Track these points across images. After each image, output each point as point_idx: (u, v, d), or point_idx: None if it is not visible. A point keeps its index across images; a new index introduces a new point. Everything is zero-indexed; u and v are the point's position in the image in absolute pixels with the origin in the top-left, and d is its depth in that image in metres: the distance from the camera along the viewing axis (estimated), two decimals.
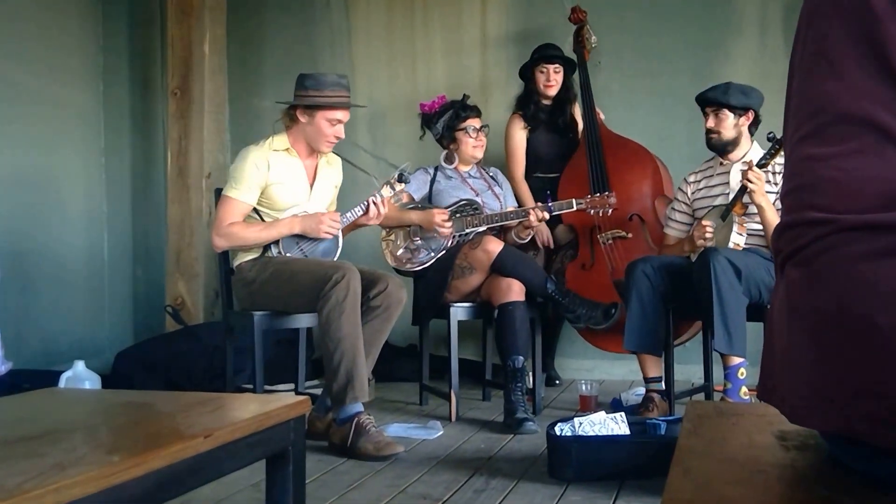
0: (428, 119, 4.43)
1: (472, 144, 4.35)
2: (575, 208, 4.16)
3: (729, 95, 3.88)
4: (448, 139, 4.39)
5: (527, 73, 4.82)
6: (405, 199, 4.28)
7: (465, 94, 4.46)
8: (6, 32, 4.81)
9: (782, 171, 3.67)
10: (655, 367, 3.91)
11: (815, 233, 0.95)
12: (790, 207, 1.02)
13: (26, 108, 4.95)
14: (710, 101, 3.93)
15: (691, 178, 4.14)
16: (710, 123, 3.94)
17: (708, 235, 3.83)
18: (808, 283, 0.96)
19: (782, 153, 3.71)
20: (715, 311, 3.52)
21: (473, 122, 4.35)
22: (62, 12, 5.30)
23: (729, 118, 3.90)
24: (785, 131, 1.09)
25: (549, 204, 4.14)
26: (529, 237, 4.31)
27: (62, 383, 4.04)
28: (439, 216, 4.17)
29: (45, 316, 4.99)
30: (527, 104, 4.80)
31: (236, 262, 3.76)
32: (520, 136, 4.79)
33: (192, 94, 5.38)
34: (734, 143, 3.95)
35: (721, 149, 3.98)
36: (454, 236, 4.20)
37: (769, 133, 3.74)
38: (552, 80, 4.75)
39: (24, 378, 3.84)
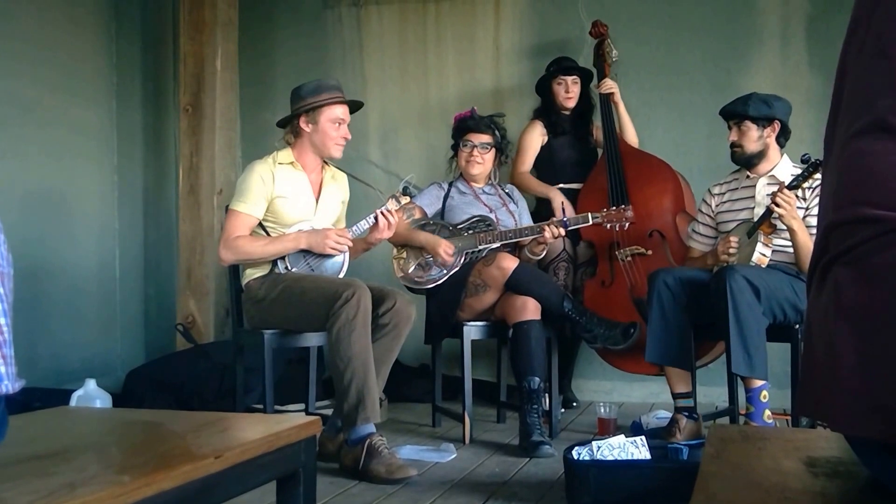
0: (454, 128, 4.46)
1: (465, 159, 4.35)
2: (591, 223, 4.13)
3: (749, 106, 3.84)
4: (454, 151, 4.42)
5: (544, 87, 4.83)
6: (417, 215, 4.27)
7: (473, 108, 4.47)
8: (19, 51, 4.85)
9: (817, 186, 3.65)
10: (683, 382, 3.81)
11: (867, 231, 0.93)
12: (841, 204, 0.99)
13: (39, 126, 4.98)
14: (732, 113, 3.90)
15: (716, 190, 4.11)
16: (733, 136, 3.90)
17: (732, 250, 3.80)
18: (858, 282, 0.93)
19: (816, 176, 3.67)
20: (732, 333, 3.48)
21: (472, 138, 4.34)
22: (75, 31, 5.34)
23: (752, 130, 3.86)
24: (833, 127, 1.07)
25: (565, 219, 4.12)
26: (543, 253, 4.29)
27: (73, 402, 4.06)
28: (445, 249, 4.15)
29: (56, 334, 5.01)
30: (547, 115, 4.81)
31: (246, 280, 3.76)
32: (534, 136, 4.80)
33: (203, 110, 5.41)
34: (760, 155, 3.90)
35: (746, 162, 3.93)
36: (466, 253, 4.19)
37: (804, 155, 3.68)
38: (571, 91, 4.76)
39: (36, 397, 3.85)
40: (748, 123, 3.86)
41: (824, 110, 4.83)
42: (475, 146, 4.33)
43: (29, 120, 4.91)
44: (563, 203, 4.56)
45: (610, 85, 4.75)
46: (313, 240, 3.69)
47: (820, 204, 1.10)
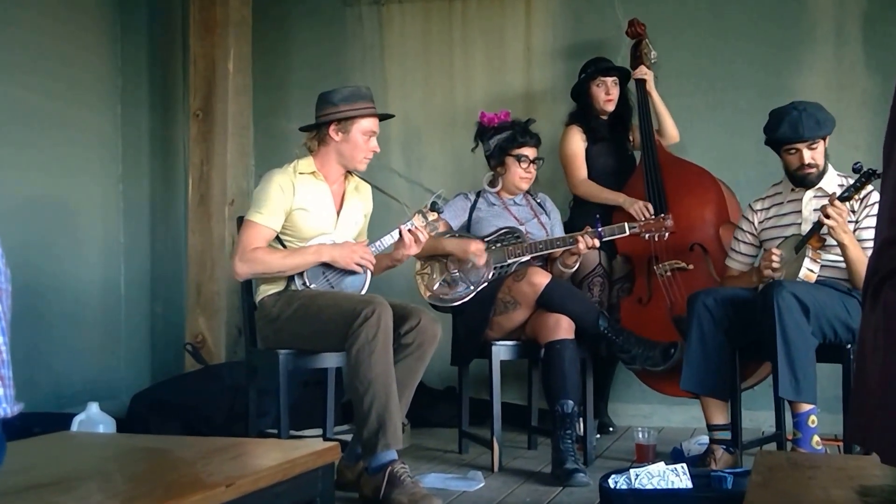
0: (483, 132, 4.42)
1: (521, 175, 4.34)
2: (628, 233, 4.12)
3: (822, 125, 3.79)
4: (497, 161, 4.39)
5: (581, 90, 4.82)
6: (442, 229, 4.27)
7: (530, 119, 4.46)
8: (20, 53, 4.90)
9: (865, 196, 3.62)
10: (720, 413, 3.84)
11: None
12: (895, 220, 0.98)
13: (40, 132, 5.03)
14: (809, 137, 3.80)
15: (758, 206, 4.09)
16: (808, 158, 3.82)
17: (775, 264, 3.78)
18: None
19: (868, 187, 3.65)
20: (779, 354, 3.47)
21: (528, 152, 4.33)
22: (78, 31, 5.39)
23: (820, 146, 3.84)
24: (892, 138, 1.06)
25: (600, 229, 4.10)
26: (577, 265, 4.28)
27: (75, 427, 4.08)
28: (476, 245, 4.16)
29: (57, 354, 5.04)
30: (585, 121, 4.80)
31: (259, 297, 3.77)
32: (578, 142, 4.77)
33: (214, 115, 5.44)
34: (824, 171, 3.90)
35: (813, 182, 3.88)
36: (495, 267, 4.19)
37: (856, 164, 3.65)
38: (612, 93, 4.75)
39: (35, 421, 3.88)
40: (819, 141, 3.83)
41: (881, 113, 4.82)
42: (531, 161, 4.34)
43: (28, 126, 4.95)
44: (640, 208, 4.51)
45: (645, 71, 4.74)
46: (337, 253, 3.68)
47: (878, 218, 1.09)
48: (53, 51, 5.16)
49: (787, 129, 3.81)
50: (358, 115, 3.71)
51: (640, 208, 4.48)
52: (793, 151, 3.85)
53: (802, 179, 3.88)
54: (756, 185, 4.48)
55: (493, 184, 4.42)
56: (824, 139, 3.85)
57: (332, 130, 3.73)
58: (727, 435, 3.82)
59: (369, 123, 3.74)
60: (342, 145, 3.74)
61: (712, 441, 3.84)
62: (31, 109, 4.98)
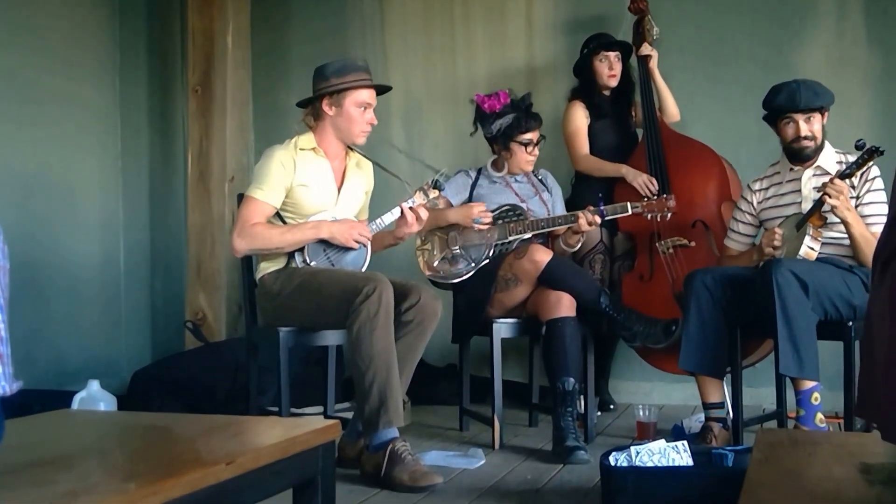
0: (484, 117, 4.39)
1: (527, 159, 4.32)
2: (630, 212, 4.12)
3: (820, 97, 3.80)
4: (501, 145, 4.36)
5: (584, 65, 4.81)
6: (442, 205, 4.26)
7: (528, 93, 4.42)
8: (17, 27, 4.88)
9: (865, 171, 3.62)
10: (716, 392, 3.86)
11: None
12: None
13: (37, 108, 5.02)
14: (805, 107, 3.80)
15: (756, 186, 4.08)
16: (805, 130, 3.82)
17: (776, 243, 3.78)
18: None
19: (870, 164, 3.66)
20: (780, 331, 3.48)
21: (533, 136, 4.31)
22: (76, 7, 5.37)
23: (817, 120, 3.84)
24: None
25: (602, 208, 4.10)
26: (579, 244, 4.28)
27: (75, 404, 4.10)
28: (478, 207, 4.15)
29: (56, 331, 5.05)
30: (588, 96, 4.79)
31: (260, 274, 3.77)
32: (581, 118, 4.76)
33: (213, 90, 5.43)
34: (822, 147, 3.89)
35: (809, 157, 3.89)
36: (496, 244, 4.18)
37: (858, 140, 3.64)
38: (615, 68, 4.74)
39: (35, 399, 3.88)
40: (816, 113, 3.83)
41: (882, 88, 4.78)
42: (535, 144, 4.32)
43: (25, 101, 4.94)
44: (644, 181, 4.51)
45: (649, 50, 4.72)
46: (336, 229, 3.68)
47: (893, 193, 1.09)
48: (51, 27, 5.14)
49: (784, 99, 3.82)
50: (349, 87, 3.69)
51: (643, 182, 4.48)
52: (789, 122, 3.85)
53: (798, 153, 3.88)
54: (757, 161, 4.46)
55: (497, 167, 4.40)
56: (822, 114, 3.85)
57: (325, 105, 3.72)
58: (723, 413, 3.86)
59: (362, 95, 3.72)
60: (337, 119, 3.73)
61: (708, 419, 3.86)
62: (30, 86, 4.97)
